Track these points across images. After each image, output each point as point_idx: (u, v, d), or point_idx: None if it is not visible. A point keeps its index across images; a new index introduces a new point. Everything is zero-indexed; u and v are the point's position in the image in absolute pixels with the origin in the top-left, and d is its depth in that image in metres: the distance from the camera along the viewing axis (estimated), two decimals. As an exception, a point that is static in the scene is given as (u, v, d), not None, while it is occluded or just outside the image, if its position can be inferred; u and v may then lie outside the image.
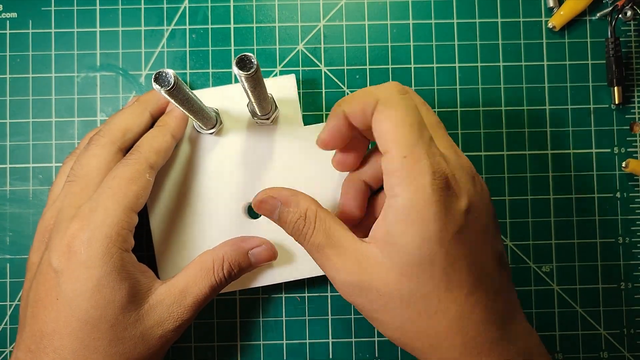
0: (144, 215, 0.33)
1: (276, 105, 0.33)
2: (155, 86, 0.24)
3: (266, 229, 0.34)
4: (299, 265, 0.34)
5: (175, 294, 0.29)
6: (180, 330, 0.29)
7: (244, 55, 0.25)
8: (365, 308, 0.27)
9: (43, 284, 0.28)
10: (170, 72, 0.24)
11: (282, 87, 0.34)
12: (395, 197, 0.25)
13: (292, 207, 0.28)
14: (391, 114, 0.26)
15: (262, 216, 0.34)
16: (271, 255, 0.32)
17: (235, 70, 0.25)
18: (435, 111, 0.37)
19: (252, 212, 0.34)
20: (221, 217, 0.34)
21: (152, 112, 0.33)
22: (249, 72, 0.25)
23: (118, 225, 0.28)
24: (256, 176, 0.34)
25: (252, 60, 0.24)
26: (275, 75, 0.37)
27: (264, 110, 0.31)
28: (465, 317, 0.25)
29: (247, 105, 0.33)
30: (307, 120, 0.37)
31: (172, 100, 0.26)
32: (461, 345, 0.25)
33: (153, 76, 0.24)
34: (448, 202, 0.25)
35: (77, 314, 0.27)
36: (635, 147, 0.37)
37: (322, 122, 0.37)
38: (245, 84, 0.26)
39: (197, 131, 0.34)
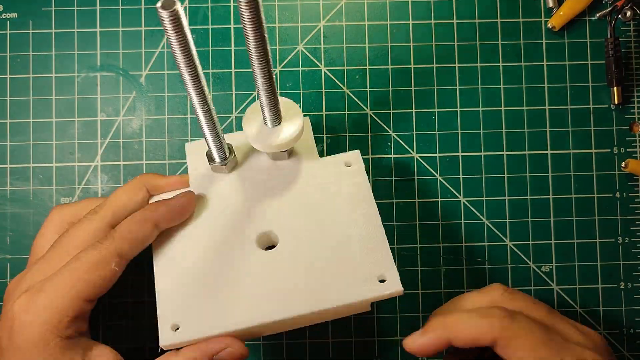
0: (147, 257, 0.31)
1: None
2: (159, 6, 0.23)
3: (282, 260, 0.30)
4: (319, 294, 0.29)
5: None
6: None
7: None
8: None
9: None
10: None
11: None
12: None
13: None
14: (522, 343, 0.27)
15: (278, 247, 0.31)
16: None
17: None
18: (434, 111, 0.37)
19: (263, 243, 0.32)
20: (233, 252, 0.31)
21: (149, 189, 0.32)
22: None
23: (62, 312, 0.26)
24: (267, 209, 0.32)
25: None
26: (276, 74, 0.37)
27: (274, 116, 0.30)
28: None
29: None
30: (307, 120, 0.37)
31: (172, 36, 0.24)
32: None
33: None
34: None
35: None
36: (635, 147, 0.37)
37: (323, 122, 0.37)
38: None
39: (211, 167, 0.32)
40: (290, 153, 0.33)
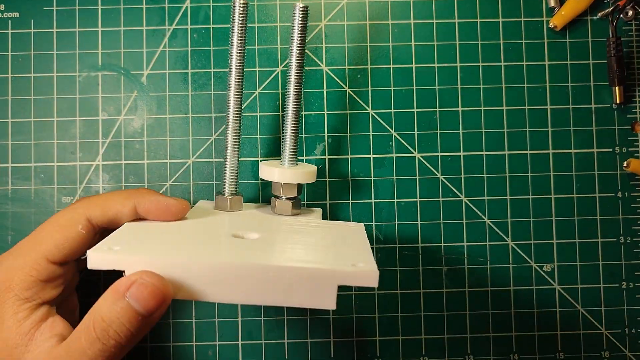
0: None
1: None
2: None
3: (255, 242, 0.28)
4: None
5: None
6: None
7: None
8: None
9: None
10: None
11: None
12: None
13: None
14: None
15: (257, 237, 0.29)
16: (156, 293, 0.24)
17: None
18: (436, 111, 0.37)
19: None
20: (204, 235, 0.29)
21: (137, 205, 0.29)
22: None
23: (22, 271, 0.26)
24: (254, 231, 0.30)
25: None
26: (278, 74, 0.37)
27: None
28: None
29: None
30: (308, 119, 0.37)
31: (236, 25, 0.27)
32: None
33: None
34: None
35: None
36: (637, 146, 0.37)
37: (324, 121, 0.37)
38: None
39: (215, 201, 0.34)
40: (295, 216, 0.34)
